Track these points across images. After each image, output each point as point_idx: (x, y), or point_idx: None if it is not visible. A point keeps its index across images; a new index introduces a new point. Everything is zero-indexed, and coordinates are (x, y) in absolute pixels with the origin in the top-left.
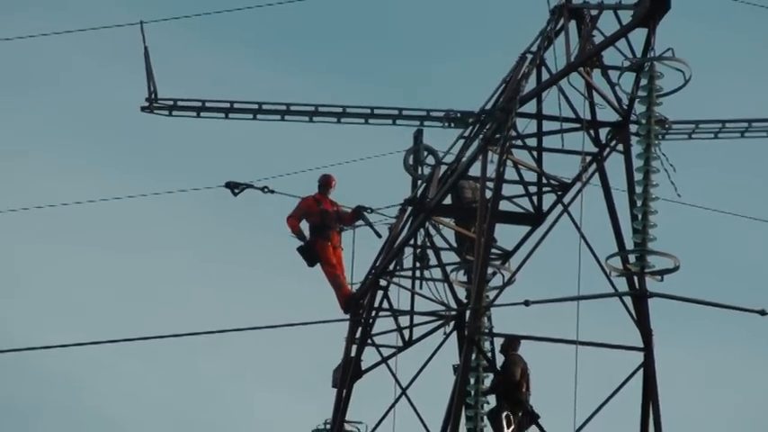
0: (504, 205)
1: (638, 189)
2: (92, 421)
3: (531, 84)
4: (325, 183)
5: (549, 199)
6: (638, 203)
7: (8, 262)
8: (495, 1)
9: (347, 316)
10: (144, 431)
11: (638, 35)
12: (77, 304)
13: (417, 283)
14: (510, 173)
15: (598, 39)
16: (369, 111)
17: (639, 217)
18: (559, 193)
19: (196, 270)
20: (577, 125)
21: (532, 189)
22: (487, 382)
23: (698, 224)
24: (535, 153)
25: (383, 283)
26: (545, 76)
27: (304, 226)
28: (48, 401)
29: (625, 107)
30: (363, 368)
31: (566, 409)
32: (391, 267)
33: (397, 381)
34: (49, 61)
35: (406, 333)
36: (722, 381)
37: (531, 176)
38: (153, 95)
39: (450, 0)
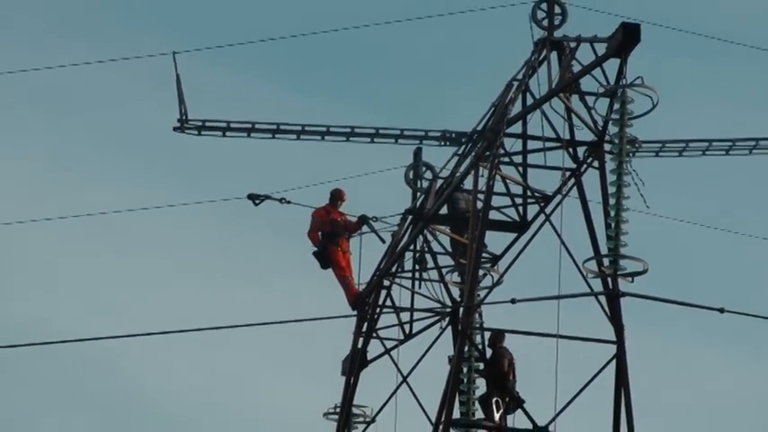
0: (493, 215)
1: (612, 201)
2: (128, 401)
3: (517, 107)
4: (337, 196)
5: (532, 209)
6: (612, 214)
7: (54, 263)
8: (486, 35)
9: (355, 312)
10: (173, 410)
11: (612, 65)
12: (115, 300)
13: (416, 283)
14: (498, 186)
15: (576, 68)
16: (374, 131)
17: (612, 225)
18: (542, 204)
19: (224, 271)
20: (558, 144)
21: (518, 200)
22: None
23: (665, 232)
24: (521, 169)
25: (386, 283)
26: (529, 100)
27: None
28: (90, 384)
29: (600, 128)
30: (369, 358)
31: (547, 395)
32: (393, 269)
33: (398, 370)
34: (92, 86)
35: (407, 327)
36: (686, 370)
37: (517, 189)
38: (184, 117)
39: (446, 35)
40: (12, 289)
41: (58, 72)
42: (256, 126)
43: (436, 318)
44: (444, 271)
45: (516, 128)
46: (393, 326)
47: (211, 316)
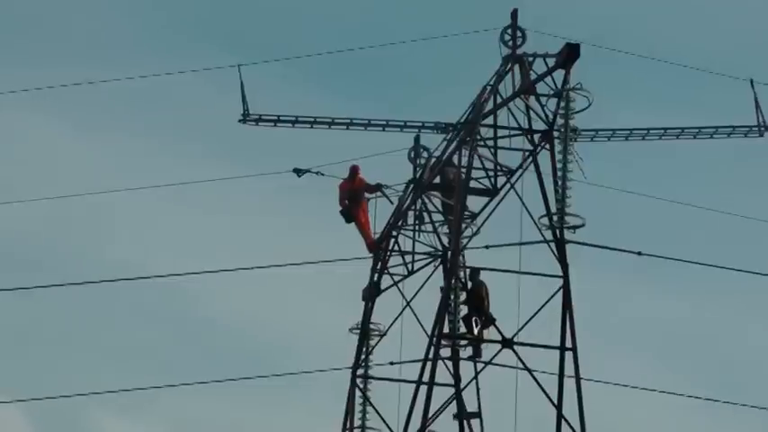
0: (473, 184)
1: (559, 173)
2: (201, 323)
3: (489, 105)
4: (353, 171)
5: (501, 180)
6: (559, 183)
7: (150, 220)
8: (468, 51)
9: (371, 255)
10: (237, 331)
11: (559, 73)
12: (194, 247)
13: (416, 234)
14: (476, 162)
15: (533, 76)
16: (385, 122)
17: (560, 191)
18: (508, 176)
19: (276, 225)
20: (519, 132)
21: (490, 173)
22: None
23: (598, 196)
24: (492, 150)
25: (394, 233)
26: (498, 100)
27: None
28: (165, 310)
29: (550, 120)
30: (381, 289)
31: (512, 316)
32: (399, 224)
33: (403, 297)
34: (177, 89)
35: (410, 266)
36: (614, 298)
37: (489, 165)
38: (246, 112)
39: (439, 51)
40: (119, 239)
41: (147, 81)
42: (299, 119)
43: (431, 259)
44: (437, 224)
45: (489, 120)
46: (399, 265)
47: (267, 259)
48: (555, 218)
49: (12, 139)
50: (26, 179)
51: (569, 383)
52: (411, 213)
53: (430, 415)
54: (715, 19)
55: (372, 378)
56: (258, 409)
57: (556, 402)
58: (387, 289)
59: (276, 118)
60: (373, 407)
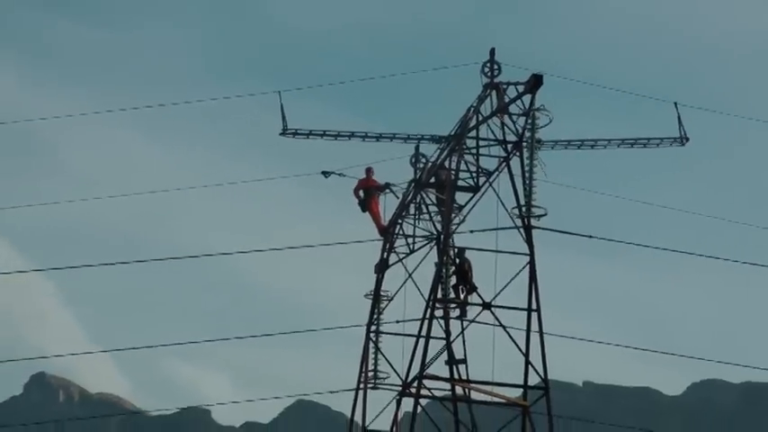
0: (460, 182)
1: (527, 175)
2: (247, 290)
3: (473, 122)
4: (368, 171)
5: (482, 180)
6: (527, 182)
7: (209, 212)
8: (456, 80)
9: (381, 238)
10: (272, 294)
11: (527, 97)
12: (242, 230)
13: (417, 221)
14: (462, 166)
15: (506, 99)
16: (392, 135)
17: (527, 188)
18: (488, 176)
19: (308, 214)
20: (496, 143)
21: (474, 174)
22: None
23: (558, 192)
24: (475, 156)
25: (399, 221)
26: (480, 117)
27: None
28: (222, 281)
29: (520, 134)
30: (389, 263)
31: (490, 284)
32: (403, 213)
33: (406, 270)
34: (233, 111)
35: (411, 246)
36: (571, 272)
37: (473, 168)
38: (285, 127)
39: (435, 81)
40: (187, 226)
41: (212, 102)
42: (326, 132)
43: (428, 241)
44: (432, 214)
45: (473, 133)
46: (403, 245)
47: (301, 240)
48: (523, 209)
49: (103, 148)
50: (113, 179)
51: (534, 337)
52: (412, 206)
53: (426, 361)
54: (652, 56)
55: (382, 333)
56: (295, 357)
57: (524, 351)
58: (393, 264)
59: (308, 132)
60: (383, 355)
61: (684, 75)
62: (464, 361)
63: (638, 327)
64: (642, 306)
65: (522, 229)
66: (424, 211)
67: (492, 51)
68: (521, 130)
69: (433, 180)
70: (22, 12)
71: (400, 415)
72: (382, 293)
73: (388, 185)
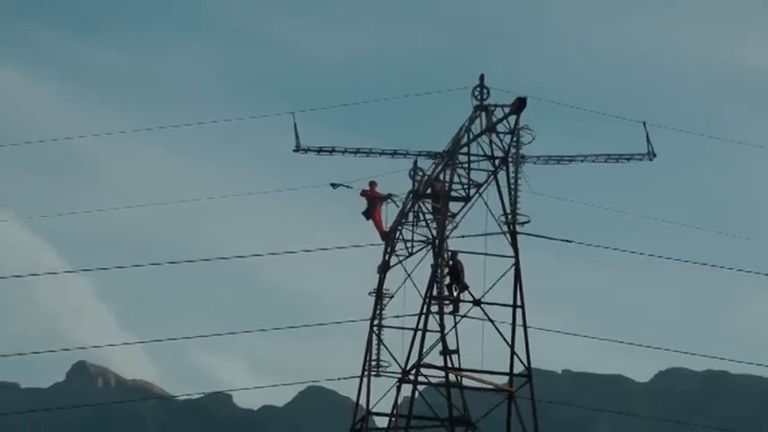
0: (453, 193)
1: (512, 186)
2: (263, 288)
3: (464, 139)
4: (372, 183)
5: (473, 191)
6: (512, 193)
7: (234, 220)
8: (450, 102)
9: (383, 242)
10: (286, 292)
11: (513, 118)
12: (258, 236)
13: (414, 228)
14: (455, 179)
15: (494, 119)
16: (393, 151)
17: (513, 198)
18: (477, 188)
19: (317, 220)
20: (485, 158)
21: (466, 186)
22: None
23: (540, 202)
24: (466, 170)
25: (399, 227)
26: (471, 135)
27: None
28: (241, 279)
29: (506, 150)
30: (390, 265)
31: (480, 283)
32: (403, 221)
33: (405, 271)
34: (251, 130)
35: (410, 249)
36: (550, 272)
37: (464, 180)
38: (298, 144)
39: (432, 104)
40: (210, 231)
41: (232, 122)
42: (335, 149)
43: (424, 245)
44: (428, 221)
45: (464, 150)
46: (402, 249)
47: (312, 244)
48: (509, 216)
49: (135, 162)
50: (144, 190)
51: (519, 330)
52: (411, 214)
53: (423, 352)
54: (624, 81)
55: (384, 326)
56: (307, 347)
57: (510, 343)
58: (394, 266)
59: (318, 149)
60: (385, 346)
61: (653, 98)
62: (457, 351)
63: (610, 320)
64: (614, 302)
65: (508, 235)
66: (422, 218)
67: (481, 77)
68: (507, 147)
69: (429, 191)
70: (63, 40)
71: (400, 399)
72: (384, 291)
73: (389, 196)
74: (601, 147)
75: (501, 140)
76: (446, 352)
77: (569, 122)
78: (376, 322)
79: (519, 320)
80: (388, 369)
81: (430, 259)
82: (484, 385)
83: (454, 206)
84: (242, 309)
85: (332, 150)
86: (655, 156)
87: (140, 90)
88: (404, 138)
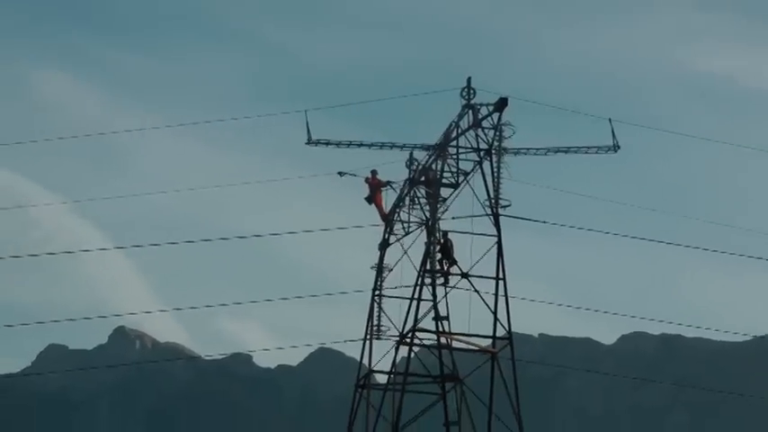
0: (444, 180)
1: (495, 174)
2: (280, 263)
3: (454, 134)
4: (373, 172)
5: (461, 178)
6: (495, 180)
7: (253, 203)
8: (441, 101)
9: (383, 223)
10: (299, 267)
11: (496, 115)
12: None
13: (410, 210)
14: (446, 168)
15: (479, 116)
16: (392, 144)
17: (496, 185)
18: (465, 176)
19: (328, 204)
20: (472, 150)
21: (455, 174)
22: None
23: (520, 188)
24: (455, 160)
25: (397, 210)
26: (459, 130)
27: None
28: (260, 256)
29: (490, 143)
30: (390, 242)
31: (467, 259)
32: (400, 204)
33: (402, 247)
34: (269, 125)
35: (406, 229)
36: (527, 250)
37: (454, 169)
38: (309, 138)
39: (425, 103)
40: (235, 213)
41: (251, 119)
42: (342, 142)
43: (419, 225)
44: (423, 205)
45: (454, 143)
46: (400, 229)
47: (322, 225)
48: (493, 200)
49: (169, 154)
50: (176, 178)
51: (501, 299)
52: (407, 198)
53: (418, 317)
54: (593, 81)
55: (384, 296)
56: (318, 314)
57: (493, 310)
58: (392, 243)
59: (327, 142)
60: (384, 313)
61: (618, 97)
62: (447, 318)
63: (580, 290)
64: (584, 274)
65: (491, 217)
66: (416, 202)
67: (469, 80)
68: (491, 141)
69: (423, 179)
70: (104, 49)
71: (398, 359)
72: (384, 266)
73: (388, 183)
74: (572, 140)
75: (486, 135)
76: (438, 318)
77: (545, 119)
78: (377, 292)
79: (501, 291)
80: (387, 333)
81: (424, 238)
82: (470, 347)
83: (445, 192)
84: (261, 280)
85: (339, 143)
86: (619, 148)
87: (175, 93)
88: (401, 132)
